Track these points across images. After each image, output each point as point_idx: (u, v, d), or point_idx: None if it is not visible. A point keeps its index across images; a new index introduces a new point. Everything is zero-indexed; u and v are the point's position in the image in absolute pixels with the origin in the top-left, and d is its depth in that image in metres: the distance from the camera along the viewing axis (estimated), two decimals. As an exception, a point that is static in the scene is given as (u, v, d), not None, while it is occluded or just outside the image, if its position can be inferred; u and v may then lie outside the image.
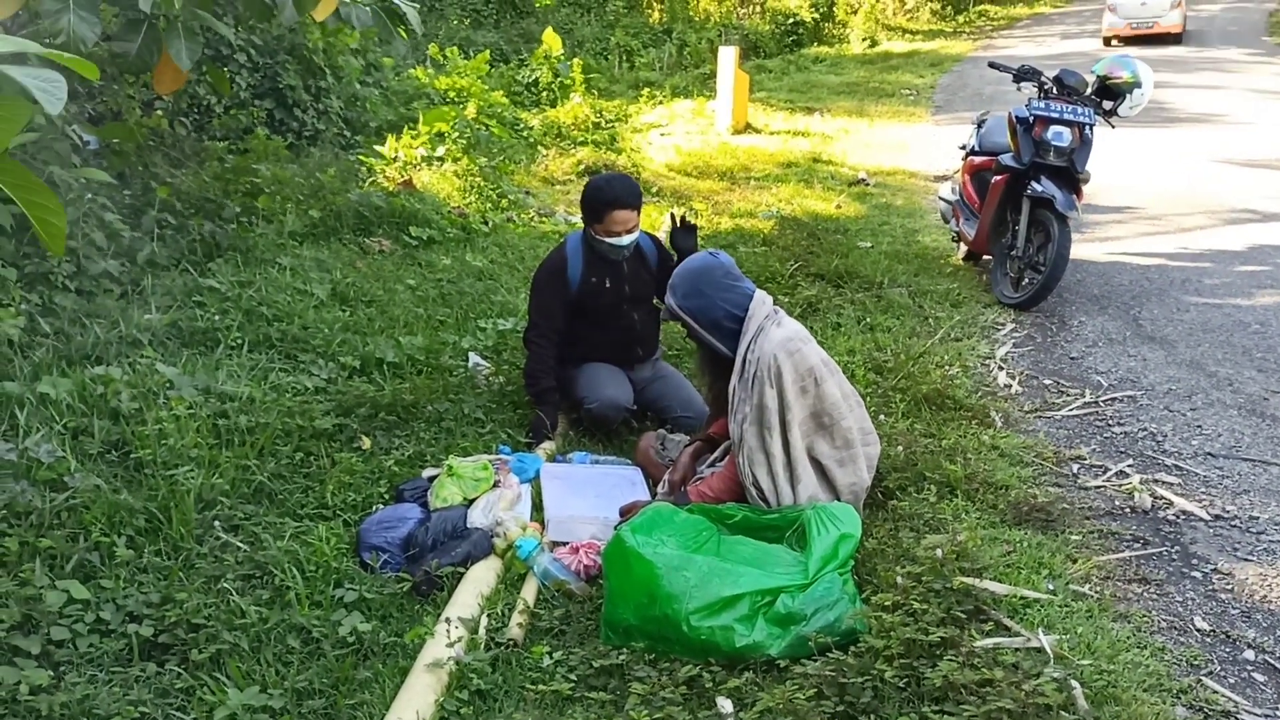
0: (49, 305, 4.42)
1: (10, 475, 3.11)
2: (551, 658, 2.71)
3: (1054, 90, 5.85)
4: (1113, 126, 6.00)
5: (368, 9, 4.51)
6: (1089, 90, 5.87)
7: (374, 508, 3.43)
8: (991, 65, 6.41)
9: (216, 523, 3.20)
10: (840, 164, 9.90)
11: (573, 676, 2.64)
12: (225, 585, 2.89)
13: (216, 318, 4.65)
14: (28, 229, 4.59)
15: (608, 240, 4.09)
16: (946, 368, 4.86)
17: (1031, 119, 5.72)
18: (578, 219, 7.44)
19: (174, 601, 2.76)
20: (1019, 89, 6.10)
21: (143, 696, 2.47)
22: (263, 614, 2.77)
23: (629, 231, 4.10)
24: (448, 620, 2.71)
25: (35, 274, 4.48)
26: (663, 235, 4.74)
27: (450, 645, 2.62)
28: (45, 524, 3.00)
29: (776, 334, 3.28)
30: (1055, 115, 5.66)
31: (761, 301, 3.38)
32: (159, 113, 6.96)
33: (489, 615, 2.89)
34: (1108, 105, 5.84)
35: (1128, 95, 5.79)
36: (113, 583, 2.83)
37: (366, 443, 3.84)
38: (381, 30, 4.58)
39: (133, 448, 3.45)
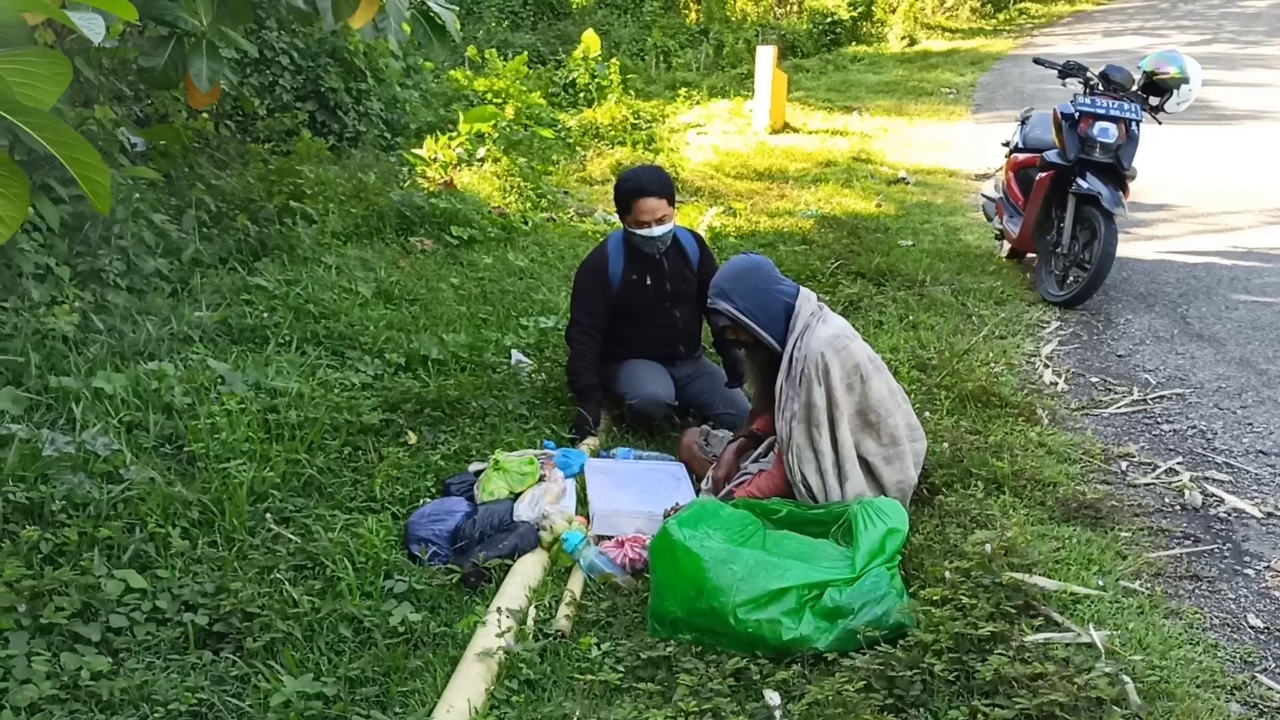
0: (102, 303, 4.51)
1: (69, 467, 3.18)
2: (599, 649, 2.73)
3: (1100, 86, 5.77)
4: (1159, 123, 5.91)
5: (407, 13, 4.53)
6: (1136, 86, 5.78)
7: (421, 501, 3.48)
8: (1036, 61, 6.34)
9: (268, 515, 3.25)
10: (880, 163, 9.83)
11: (620, 667, 2.66)
12: (278, 575, 2.93)
13: (265, 315, 4.72)
14: (80, 228, 4.68)
15: (639, 232, 4.10)
16: (991, 365, 4.82)
17: (1077, 115, 5.64)
18: (616, 218, 7.48)
19: (228, 591, 2.81)
20: (1064, 84, 6.02)
21: (200, 683, 2.52)
22: (315, 604, 2.81)
23: (659, 222, 4.09)
24: (498, 610, 2.74)
25: (88, 272, 4.57)
26: (703, 231, 4.74)
27: (500, 635, 2.64)
28: (103, 515, 3.06)
29: (823, 331, 3.27)
30: (1101, 111, 5.58)
31: (807, 298, 3.38)
32: (204, 115, 7.07)
33: (536, 607, 2.91)
34: (1154, 101, 5.74)
35: (1175, 91, 5.69)
36: (168, 572, 2.88)
37: (413, 437, 3.88)
38: (420, 37, 4.61)
39: (186, 441, 3.52)
